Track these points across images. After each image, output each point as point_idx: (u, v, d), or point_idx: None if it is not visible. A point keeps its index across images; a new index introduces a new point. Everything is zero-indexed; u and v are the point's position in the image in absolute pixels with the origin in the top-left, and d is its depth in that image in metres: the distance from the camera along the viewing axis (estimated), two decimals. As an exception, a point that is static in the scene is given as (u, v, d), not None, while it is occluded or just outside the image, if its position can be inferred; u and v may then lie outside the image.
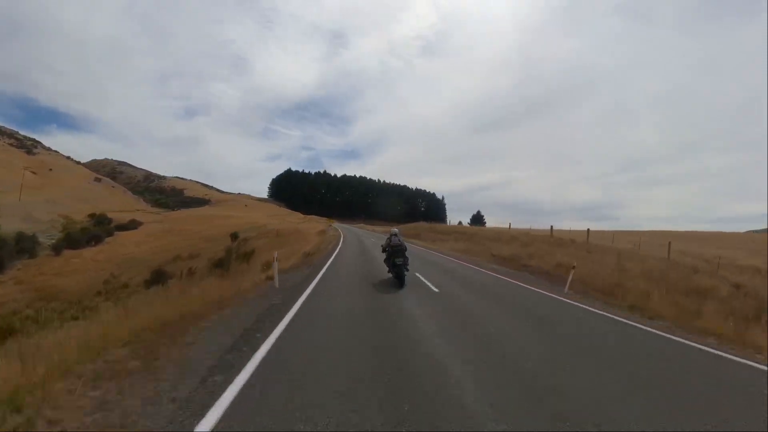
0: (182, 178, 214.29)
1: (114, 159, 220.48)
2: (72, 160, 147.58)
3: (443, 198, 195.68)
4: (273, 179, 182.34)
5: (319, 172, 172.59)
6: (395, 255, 10.58)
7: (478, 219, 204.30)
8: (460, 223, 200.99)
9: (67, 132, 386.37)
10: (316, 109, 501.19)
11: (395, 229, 11.72)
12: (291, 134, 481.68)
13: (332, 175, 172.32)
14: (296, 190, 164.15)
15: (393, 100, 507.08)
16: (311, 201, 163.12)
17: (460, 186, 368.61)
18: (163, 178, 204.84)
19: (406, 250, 10.77)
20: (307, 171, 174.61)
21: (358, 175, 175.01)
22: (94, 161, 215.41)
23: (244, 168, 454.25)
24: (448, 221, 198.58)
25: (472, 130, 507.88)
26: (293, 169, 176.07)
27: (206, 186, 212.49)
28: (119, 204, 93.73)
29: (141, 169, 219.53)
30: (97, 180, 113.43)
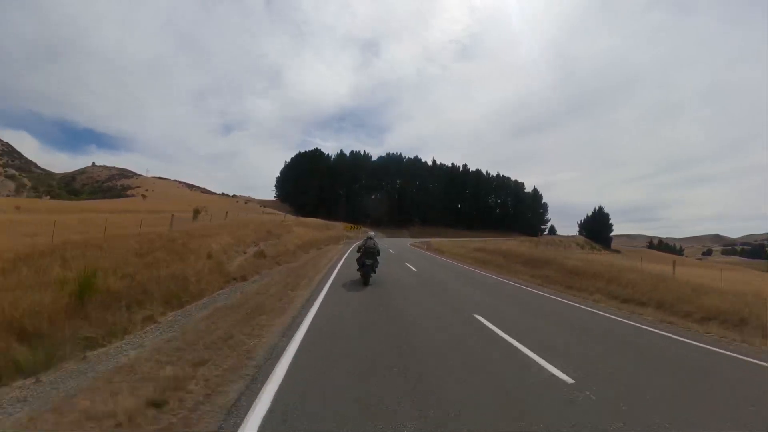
0: (164, 179, 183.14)
1: (115, 167, 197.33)
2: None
3: (536, 191, 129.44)
4: (281, 171, 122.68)
5: (342, 153, 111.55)
6: (366, 256, 11.63)
7: (600, 223, 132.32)
8: (549, 230, 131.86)
9: (106, 151, 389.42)
10: (352, 119, 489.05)
11: (371, 233, 13.11)
12: (327, 145, 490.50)
13: (362, 153, 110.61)
14: (309, 184, 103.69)
15: (429, 106, 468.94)
16: (333, 199, 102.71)
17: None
18: (135, 176, 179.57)
19: (378, 254, 12.08)
20: (327, 153, 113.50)
21: (405, 156, 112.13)
22: (89, 167, 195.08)
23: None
24: (550, 230, 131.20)
25: (510, 134, 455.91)
26: (303, 151, 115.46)
27: (191, 186, 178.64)
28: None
29: (123, 170, 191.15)
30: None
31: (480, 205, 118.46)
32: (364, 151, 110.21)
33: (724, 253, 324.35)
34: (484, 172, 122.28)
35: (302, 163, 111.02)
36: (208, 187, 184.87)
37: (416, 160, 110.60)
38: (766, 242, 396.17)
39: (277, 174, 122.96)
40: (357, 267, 11.85)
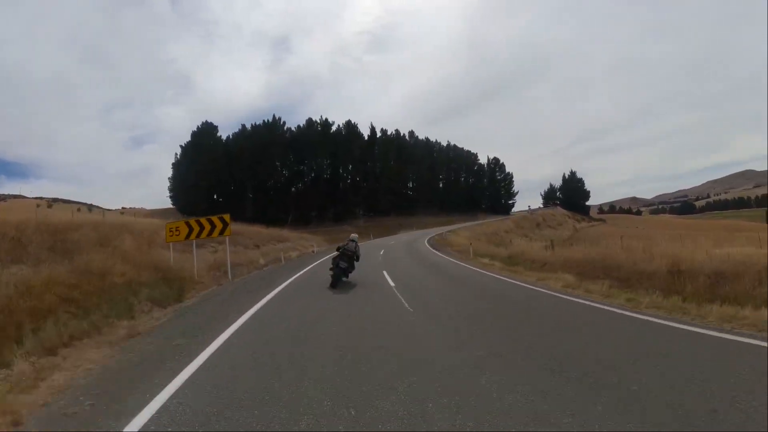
0: (44, 198, 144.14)
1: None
2: None
3: (497, 160, 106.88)
4: (172, 164, 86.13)
5: (244, 128, 78.71)
6: (342, 258, 10.92)
7: (574, 191, 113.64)
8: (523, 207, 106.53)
9: (16, 180, 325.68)
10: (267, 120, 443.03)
11: (354, 235, 12.16)
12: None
13: (271, 121, 78.03)
14: (200, 175, 71.56)
15: (345, 100, 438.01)
16: (235, 192, 71.84)
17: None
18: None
19: (357, 259, 11.31)
20: (225, 134, 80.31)
21: (333, 122, 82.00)
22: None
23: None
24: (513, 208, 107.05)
25: (428, 121, 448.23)
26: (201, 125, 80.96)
27: (69, 202, 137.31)
28: None
29: None
30: None
31: (435, 184, 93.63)
32: (275, 116, 77.89)
33: (653, 212, 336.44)
34: (433, 140, 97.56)
35: (191, 150, 77.89)
36: (106, 206, 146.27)
37: (350, 128, 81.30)
38: (685, 198, 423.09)
39: (170, 173, 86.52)
40: (330, 266, 11.14)
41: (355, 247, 11.30)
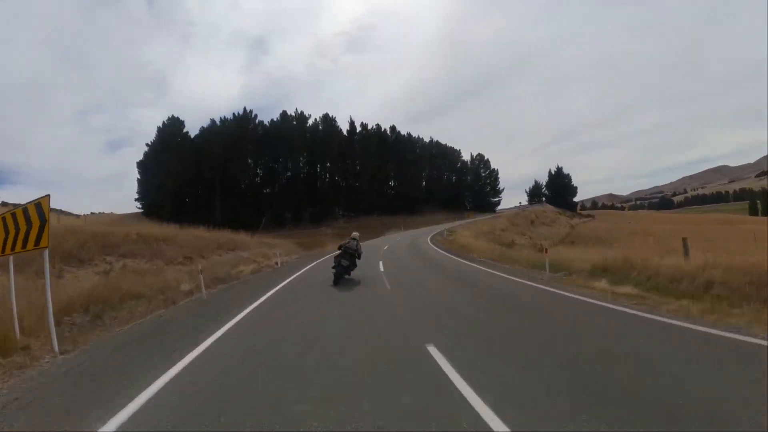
0: (8, 204, 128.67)
1: None
2: None
3: (482, 156, 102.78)
4: (138, 164, 77.18)
5: (213, 123, 72.02)
6: (343, 256, 11.07)
7: (561, 187, 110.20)
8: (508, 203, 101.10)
9: None
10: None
11: (355, 233, 12.27)
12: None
13: (242, 114, 70.78)
14: (165, 174, 65.18)
15: (323, 101, 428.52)
16: (202, 193, 65.93)
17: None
18: None
19: (359, 257, 11.54)
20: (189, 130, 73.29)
21: (310, 114, 76.52)
22: None
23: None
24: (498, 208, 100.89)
25: (409, 121, 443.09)
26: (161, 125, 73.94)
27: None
28: None
29: None
30: None
31: (418, 181, 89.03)
32: (246, 109, 71.44)
33: (632, 208, 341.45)
34: (415, 136, 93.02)
35: (158, 148, 70.98)
36: (76, 211, 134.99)
37: (328, 122, 76.07)
38: (661, 194, 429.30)
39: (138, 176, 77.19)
40: (332, 265, 11.28)
41: (357, 246, 11.52)
